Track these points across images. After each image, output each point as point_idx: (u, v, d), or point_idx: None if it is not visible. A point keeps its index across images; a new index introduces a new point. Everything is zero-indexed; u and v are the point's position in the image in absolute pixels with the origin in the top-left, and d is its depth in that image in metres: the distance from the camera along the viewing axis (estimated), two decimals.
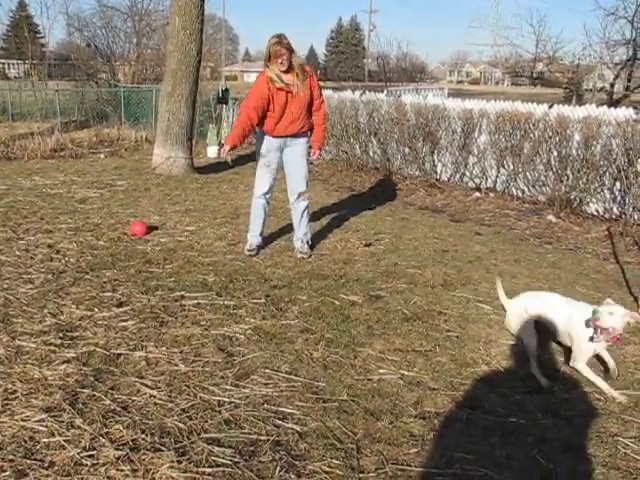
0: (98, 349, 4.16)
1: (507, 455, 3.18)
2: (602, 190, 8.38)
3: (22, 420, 3.30)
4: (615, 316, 3.92)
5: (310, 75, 6.06)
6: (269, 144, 6.19)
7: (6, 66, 29.35)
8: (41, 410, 3.40)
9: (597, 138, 8.30)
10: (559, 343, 4.46)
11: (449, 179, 10.49)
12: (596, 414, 3.61)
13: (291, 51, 5.84)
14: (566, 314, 4.25)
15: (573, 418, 3.55)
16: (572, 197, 8.64)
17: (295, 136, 6.18)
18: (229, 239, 6.91)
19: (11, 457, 2.98)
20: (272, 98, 5.93)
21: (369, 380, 3.92)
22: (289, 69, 5.88)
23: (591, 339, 4.01)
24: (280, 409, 3.53)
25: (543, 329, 4.39)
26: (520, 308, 4.57)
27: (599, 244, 7.41)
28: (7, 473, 2.87)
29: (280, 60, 5.79)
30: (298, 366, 4.05)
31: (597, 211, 8.47)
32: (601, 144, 8.27)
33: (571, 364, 4.16)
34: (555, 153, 8.81)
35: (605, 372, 4.12)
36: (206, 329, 4.56)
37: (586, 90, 27.03)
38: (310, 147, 6.39)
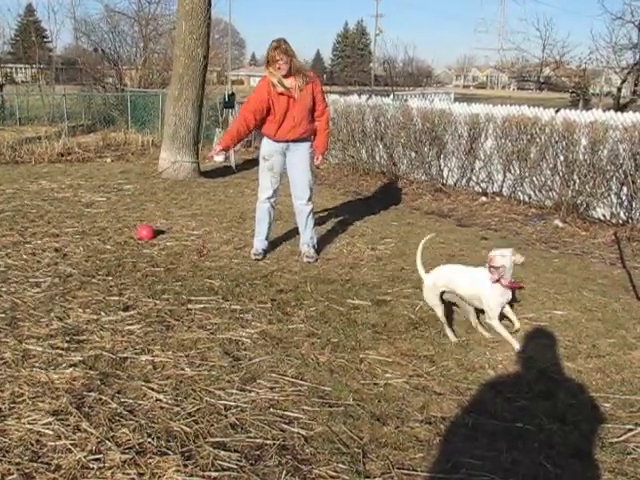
0: (104, 353, 4.17)
1: (513, 460, 3.17)
2: (609, 195, 8.35)
3: (29, 423, 3.31)
4: (505, 257, 4.41)
5: (313, 80, 6.07)
6: (271, 148, 6.21)
7: (13, 70, 29.44)
8: (48, 413, 3.41)
9: (604, 143, 8.27)
10: (479, 310, 4.80)
11: (455, 184, 10.48)
12: (603, 419, 3.60)
13: (290, 56, 5.84)
14: (470, 277, 4.67)
15: (580, 423, 3.54)
16: (579, 202, 8.61)
17: (297, 141, 6.19)
18: (235, 243, 6.92)
19: (18, 460, 2.99)
20: (273, 103, 5.95)
21: (375, 385, 3.91)
22: (290, 73, 5.89)
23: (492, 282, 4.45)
24: (286, 413, 3.53)
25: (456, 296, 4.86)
26: (430, 282, 4.85)
27: (606, 249, 7.39)
28: (14, 476, 2.87)
29: (277, 65, 5.81)
30: (304, 370, 4.05)
31: (604, 216, 8.44)
32: (608, 149, 8.25)
33: (487, 321, 4.65)
34: (562, 158, 8.79)
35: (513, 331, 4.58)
36: (212, 333, 4.57)
37: (593, 94, 27.04)
38: (314, 152, 6.40)
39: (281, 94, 5.93)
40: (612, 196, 8.34)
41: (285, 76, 5.90)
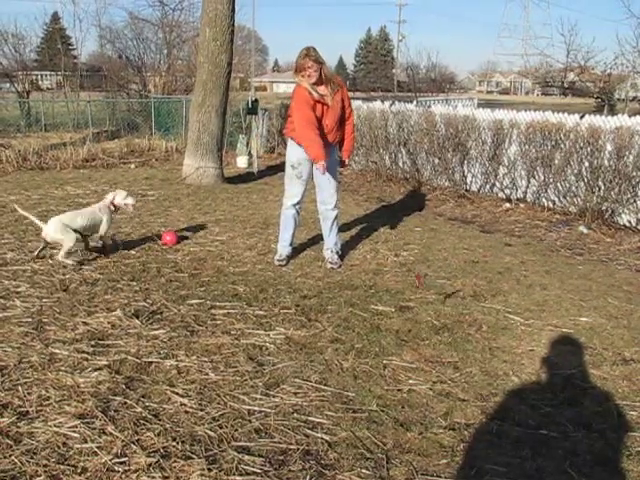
0: (129, 357, 4.20)
1: (538, 468, 3.15)
2: (635, 201, 8.29)
3: (55, 426, 3.34)
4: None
5: (341, 87, 6.07)
6: (301, 155, 6.16)
7: (39, 77, 29.72)
8: (74, 417, 3.44)
9: (630, 148, 8.22)
10: None
11: (479, 190, 10.45)
12: (629, 428, 3.56)
13: (320, 64, 5.84)
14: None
15: (605, 431, 3.51)
16: (604, 208, 8.55)
17: (326, 147, 6.18)
18: (259, 249, 6.94)
19: (45, 462, 3.02)
20: (313, 109, 5.95)
21: (399, 390, 3.91)
22: (321, 81, 5.89)
23: None
24: (310, 418, 3.54)
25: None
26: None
27: (632, 256, 7.33)
28: (41, 478, 2.90)
29: (307, 73, 5.80)
30: (328, 376, 4.06)
31: (629, 222, 8.38)
32: (634, 154, 8.19)
33: None
34: (587, 164, 8.74)
35: None
36: (236, 338, 4.59)
37: (618, 100, 26.82)
38: (340, 156, 6.40)
39: (317, 101, 5.93)
40: (638, 202, 8.27)
41: (316, 84, 5.90)
